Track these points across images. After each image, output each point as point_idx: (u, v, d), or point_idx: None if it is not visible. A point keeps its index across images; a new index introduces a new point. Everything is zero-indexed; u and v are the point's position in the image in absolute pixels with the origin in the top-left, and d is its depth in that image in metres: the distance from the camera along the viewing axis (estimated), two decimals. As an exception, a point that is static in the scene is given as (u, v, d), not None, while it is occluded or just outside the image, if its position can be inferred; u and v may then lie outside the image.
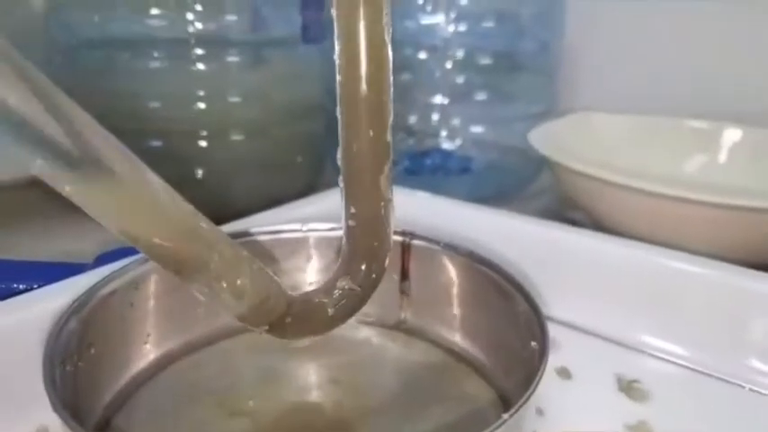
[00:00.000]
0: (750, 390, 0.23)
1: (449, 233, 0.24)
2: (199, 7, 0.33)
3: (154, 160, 0.37)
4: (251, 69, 0.35)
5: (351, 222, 0.17)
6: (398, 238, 0.24)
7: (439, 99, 0.43)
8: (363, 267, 0.17)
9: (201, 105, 0.35)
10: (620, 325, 0.26)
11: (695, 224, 0.31)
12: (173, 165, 0.35)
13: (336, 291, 0.17)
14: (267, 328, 0.16)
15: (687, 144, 0.44)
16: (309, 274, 0.25)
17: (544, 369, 0.17)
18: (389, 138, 0.17)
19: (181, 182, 0.37)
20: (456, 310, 0.23)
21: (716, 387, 0.23)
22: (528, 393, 0.15)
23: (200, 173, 0.36)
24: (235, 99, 0.35)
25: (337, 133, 0.17)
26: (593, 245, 0.27)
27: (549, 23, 0.46)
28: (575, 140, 0.42)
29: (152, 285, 0.22)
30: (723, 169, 0.42)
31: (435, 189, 0.34)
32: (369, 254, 0.17)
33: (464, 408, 0.20)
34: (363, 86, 0.15)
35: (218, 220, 0.26)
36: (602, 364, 0.24)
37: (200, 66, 0.34)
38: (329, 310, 0.17)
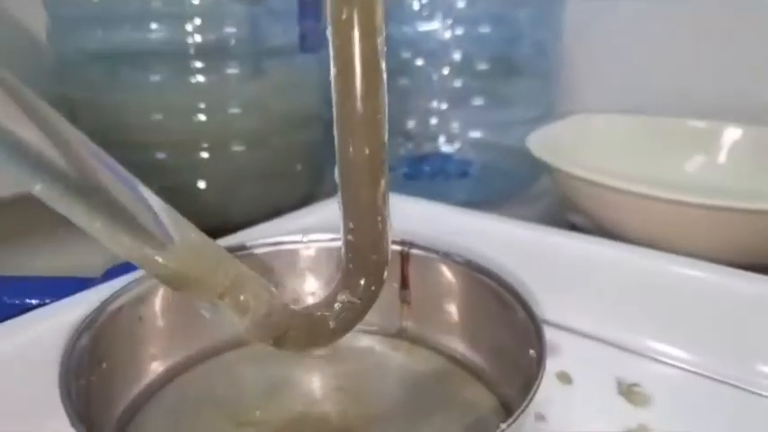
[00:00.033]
0: (751, 393, 0.23)
1: (448, 241, 0.25)
2: (198, 21, 0.34)
3: (157, 172, 0.38)
4: (250, 80, 0.36)
5: (349, 237, 0.17)
6: (397, 247, 0.24)
7: (437, 104, 0.44)
8: (362, 281, 0.17)
9: (202, 117, 0.35)
10: (620, 329, 0.26)
11: (697, 227, 0.31)
12: (175, 176, 0.36)
13: (337, 304, 0.18)
14: (271, 342, 0.17)
15: (688, 144, 0.44)
16: (311, 285, 0.25)
17: (541, 378, 0.17)
18: (385, 155, 0.17)
19: (183, 192, 0.38)
20: (457, 318, 0.24)
21: (717, 390, 0.23)
22: (525, 404, 0.16)
23: (202, 183, 0.36)
24: (235, 110, 0.36)
25: (335, 141, 0.17)
26: (592, 249, 0.27)
27: (546, 25, 0.46)
28: (574, 142, 0.42)
29: (160, 299, 0.22)
30: (724, 169, 0.43)
31: (434, 194, 0.34)
32: (367, 268, 0.17)
33: (466, 415, 0.21)
34: (359, 106, 0.16)
35: (221, 228, 0.27)
36: (603, 369, 0.24)
37: (201, 78, 0.34)
38: (330, 322, 0.18)
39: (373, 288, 0.18)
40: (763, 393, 0.23)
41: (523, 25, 0.44)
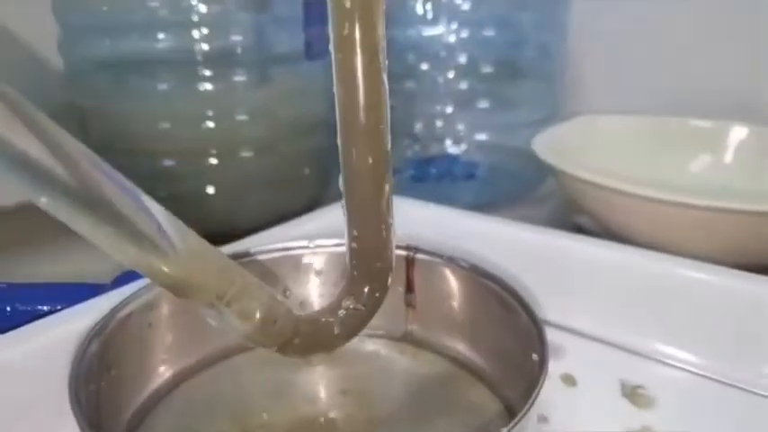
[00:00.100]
0: (756, 395, 0.23)
1: (453, 245, 0.25)
2: (205, 29, 0.34)
3: (165, 179, 0.38)
4: (257, 88, 0.36)
5: (353, 245, 0.18)
6: (403, 252, 0.24)
7: (443, 107, 0.44)
8: (367, 288, 0.18)
9: (210, 124, 0.35)
10: (625, 331, 0.26)
11: (703, 229, 0.31)
12: (183, 183, 0.37)
13: (341, 310, 0.18)
14: (276, 348, 0.17)
15: (693, 144, 0.44)
16: (318, 290, 0.26)
17: (543, 381, 0.17)
18: (388, 163, 0.17)
19: (191, 199, 0.39)
20: (461, 322, 0.24)
21: (721, 392, 0.23)
22: (527, 407, 0.16)
23: (210, 190, 0.37)
24: (242, 117, 0.36)
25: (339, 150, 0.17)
26: (597, 252, 0.27)
27: (551, 28, 0.46)
28: (579, 144, 0.42)
29: (168, 305, 0.22)
30: (730, 169, 0.42)
31: (441, 196, 0.34)
32: (371, 275, 0.18)
33: (470, 417, 0.21)
34: (361, 117, 0.16)
35: (228, 234, 0.27)
36: (607, 371, 0.24)
37: (208, 86, 0.35)
38: (335, 328, 0.18)
39: (377, 294, 0.18)
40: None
41: (528, 28, 0.44)
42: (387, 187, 0.17)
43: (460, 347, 0.24)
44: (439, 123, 0.45)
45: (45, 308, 0.25)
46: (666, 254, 0.26)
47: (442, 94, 0.44)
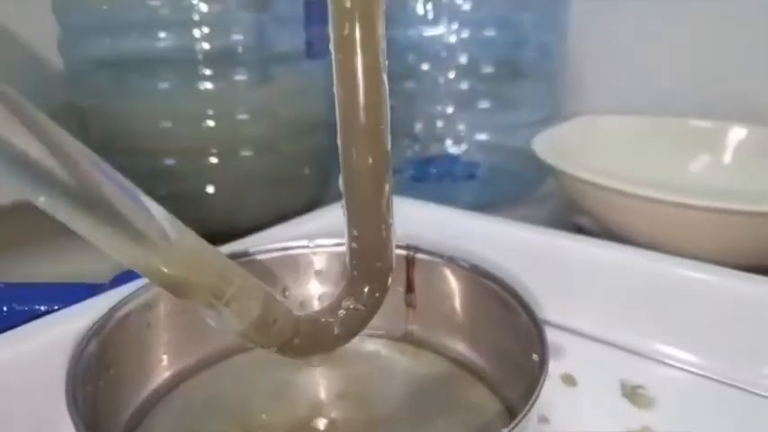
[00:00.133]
0: (756, 395, 0.23)
1: (453, 245, 0.25)
2: (205, 28, 0.34)
3: (166, 178, 0.38)
4: (258, 87, 0.36)
5: (353, 245, 0.18)
6: (403, 252, 0.24)
7: (443, 107, 0.44)
8: (367, 288, 0.18)
9: (211, 123, 0.35)
10: (625, 331, 0.26)
11: (703, 230, 0.31)
12: (184, 182, 0.37)
13: (341, 311, 0.18)
14: (275, 348, 0.17)
15: (693, 144, 0.44)
16: (318, 290, 0.26)
17: (543, 381, 0.17)
18: (388, 163, 0.17)
19: (192, 198, 0.39)
20: (461, 322, 0.24)
21: (721, 392, 0.23)
22: (527, 408, 0.16)
23: (210, 189, 0.37)
24: (243, 116, 0.36)
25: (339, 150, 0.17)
26: (597, 252, 0.28)
27: (551, 28, 0.46)
28: (579, 144, 0.42)
29: (167, 304, 0.22)
30: (730, 169, 0.43)
31: (441, 196, 0.34)
32: (371, 275, 0.18)
33: (471, 418, 0.21)
34: (361, 117, 0.16)
35: (228, 233, 0.27)
36: (607, 371, 0.24)
37: (209, 85, 0.35)
38: (335, 329, 0.18)
39: (377, 295, 0.18)
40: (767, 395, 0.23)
41: (528, 28, 0.44)
42: (387, 187, 0.17)
43: (461, 347, 0.24)
44: (439, 123, 0.45)
45: (42, 308, 0.25)
46: (666, 254, 0.26)
47: (442, 94, 0.44)
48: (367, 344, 0.25)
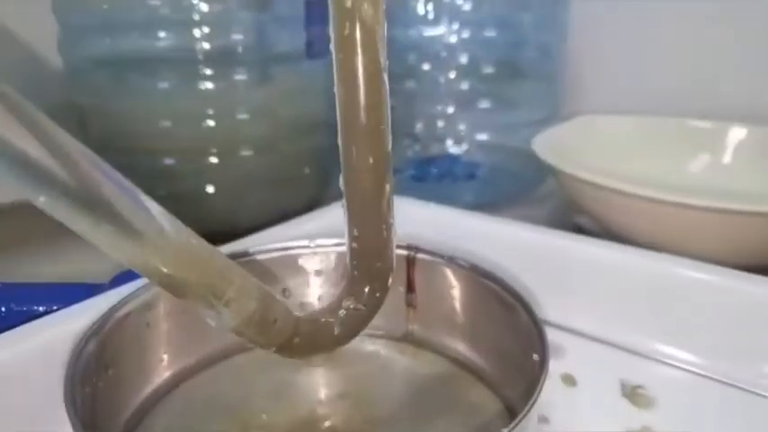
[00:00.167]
0: (756, 395, 0.23)
1: (454, 245, 0.25)
2: (206, 28, 0.34)
3: (166, 178, 0.38)
4: (258, 87, 0.36)
5: (354, 245, 0.18)
6: (403, 252, 0.24)
7: (444, 107, 0.44)
8: (367, 288, 0.18)
9: (211, 123, 0.35)
10: (625, 331, 0.26)
11: (703, 230, 0.31)
12: (184, 181, 0.37)
13: (342, 311, 0.18)
14: (275, 348, 0.17)
15: (692, 144, 0.44)
16: (318, 290, 0.26)
17: (543, 381, 0.17)
18: (389, 163, 0.17)
19: (192, 198, 0.39)
20: (462, 322, 0.24)
21: (721, 392, 0.23)
22: (527, 408, 0.16)
23: (210, 189, 0.37)
24: (243, 116, 0.36)
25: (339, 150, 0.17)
26: (597, 252, 0.28)
27: (551, 28, 0.46)
28: (579, 144, 0.42)
29: (167, 304, 0.22)
30: (729, 169, 0.43)
31: (442, 195, 0.34)
32: (372, 275, 0.18)
33: (471, 417, 0.21)
34: (362, 117, 0.16)
35: (228, 233, 0.27)
36: (607, 371, 0.24)
37: (209, 85, 0.35)
38: (335, 329, 0.18)
39: (378, 295, 0.18)
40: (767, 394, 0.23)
41: (528, 28, 0.44)
42: (387, 187, 0.17)
43: (461, 347, 0.24)
44: (440, 123, 0.45)
45: (41, 308, 0.25)
46: (666, 254, 0.26)
47: (442, 94, 0.44)
48: (367, 344, 0.25)
